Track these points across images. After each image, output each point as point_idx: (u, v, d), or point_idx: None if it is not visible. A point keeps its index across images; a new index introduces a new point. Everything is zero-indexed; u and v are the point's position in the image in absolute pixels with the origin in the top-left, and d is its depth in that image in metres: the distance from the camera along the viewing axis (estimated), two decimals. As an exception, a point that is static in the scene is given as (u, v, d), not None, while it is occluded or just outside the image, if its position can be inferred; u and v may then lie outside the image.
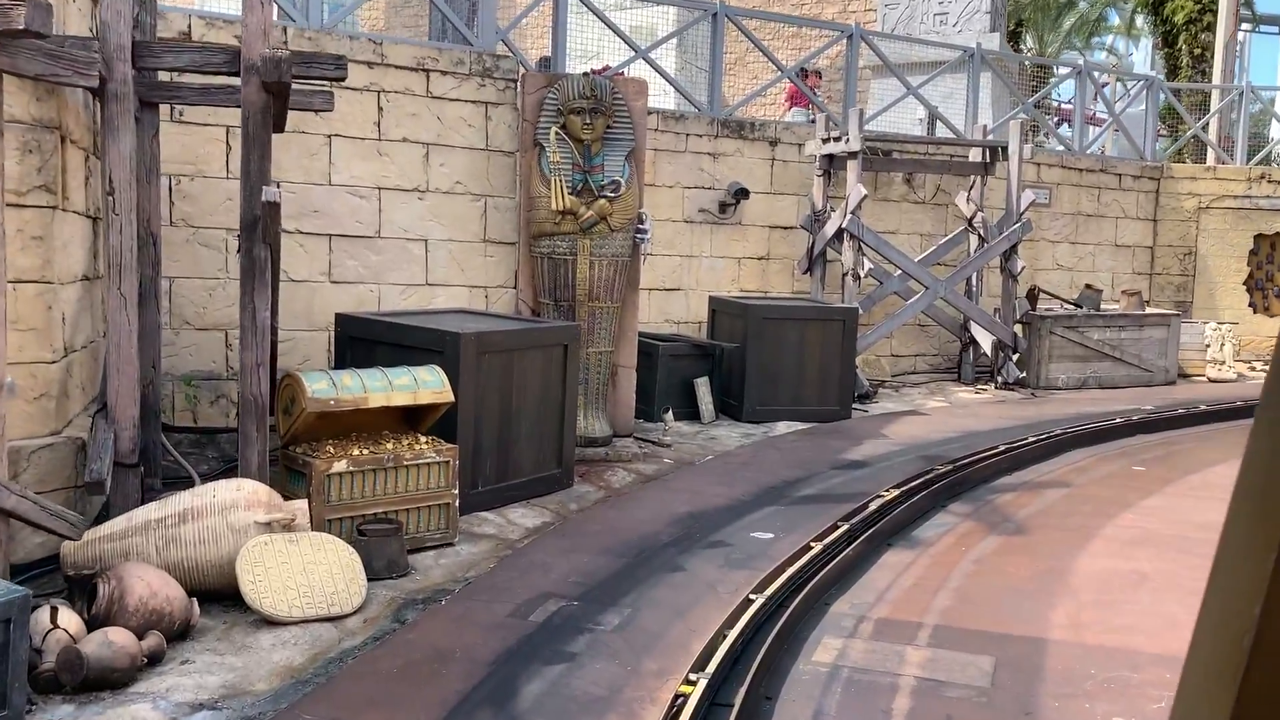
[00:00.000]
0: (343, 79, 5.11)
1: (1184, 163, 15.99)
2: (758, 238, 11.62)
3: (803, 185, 11.80)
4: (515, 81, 8.48)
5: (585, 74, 7.92)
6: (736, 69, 19.47)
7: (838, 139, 11.05)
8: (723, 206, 11.34)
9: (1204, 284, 14.48)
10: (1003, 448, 7.95)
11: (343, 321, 6.63)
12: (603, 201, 7.83)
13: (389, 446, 5.53)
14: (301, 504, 4.96)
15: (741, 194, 11.19)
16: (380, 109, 8.07)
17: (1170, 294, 14.52)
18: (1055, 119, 20.81)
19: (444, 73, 8.26)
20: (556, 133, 7.78)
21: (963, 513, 6.55)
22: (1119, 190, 14.26)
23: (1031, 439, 8.35)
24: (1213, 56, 23.32)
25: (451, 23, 8.51)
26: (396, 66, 8.08)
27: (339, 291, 8.05)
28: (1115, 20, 33.28)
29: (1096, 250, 14.18)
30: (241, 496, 4.76)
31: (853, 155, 10.90)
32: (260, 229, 4.94)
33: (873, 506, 6.17)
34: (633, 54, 10.94)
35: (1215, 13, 23.01)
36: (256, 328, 5.05)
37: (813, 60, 15.13)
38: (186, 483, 6.49)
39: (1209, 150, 16.16)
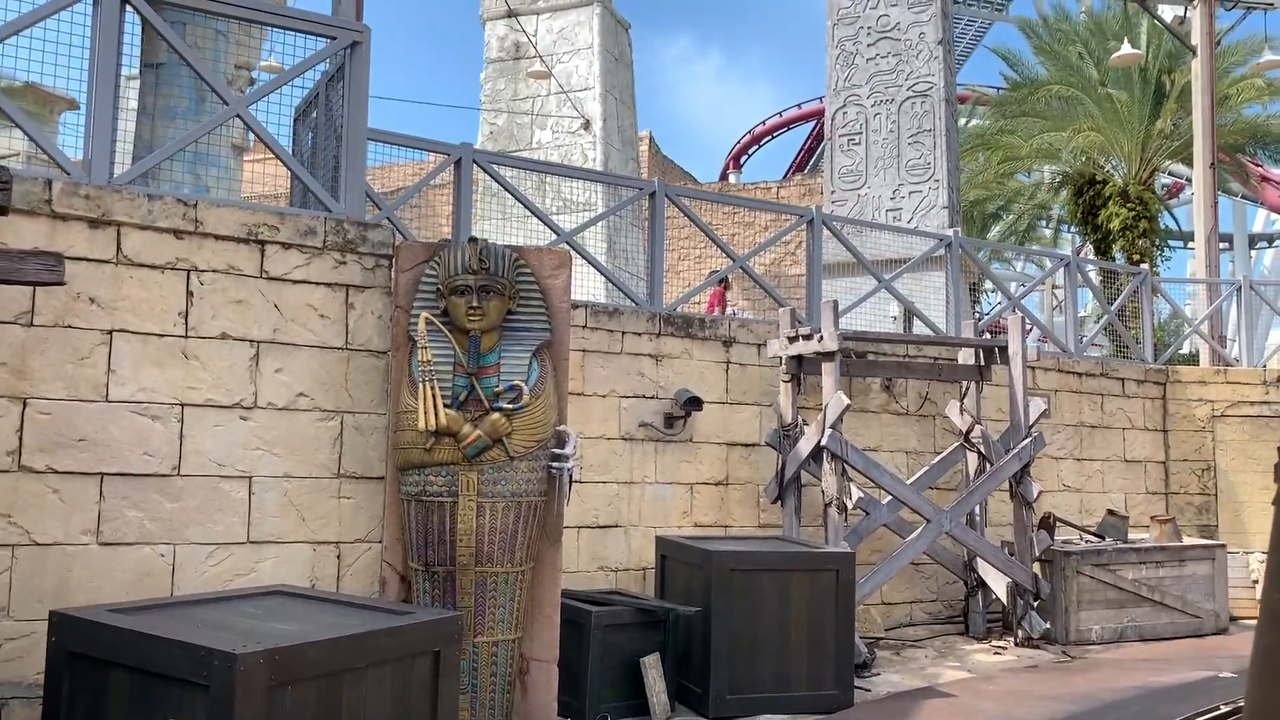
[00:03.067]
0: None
1: (1190, 365, 14.24)
2: (713, 458, 9.29)
3: (765, 393, 9.60)
4: (390, 258, 6.22)
5: (473, 239, 5.69)
6: (669, 277, 17.71)
7: (807, 337, 8.94)
8: (669, 420, 9.05)
9: (1228, 504, 12.39)
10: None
11: (59, 625, 3.99)
12: (497, 416, 5.45)
13: None
14: None
15: (692, 404, 8.92)
16: (190, 294, 5.71)
17: (1191, 516, 12.38)
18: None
19: (286, 245, 5.98)
20: (428, 319, 5.45)
21: None
22: (1123, 397, 12.33)
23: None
24: (1150, 261, 22.43)
25: (298, 177, 6.30)
26: (217, 236, 5.79)
27: (111, 558, 5.42)
28: (1044, 232, 33.02)
29: (1105, 467, 12.08)
30: None
31: (828, 357, 8.76)
32: None
33: None
34: (554, 237, 8.87)
35: (1151, 219, 22.31)
36: None
37: (761, 253, 13.40)
38: None
39: (1202, 352, 14.51)
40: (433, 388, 5.35)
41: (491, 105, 22.84)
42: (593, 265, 8.92)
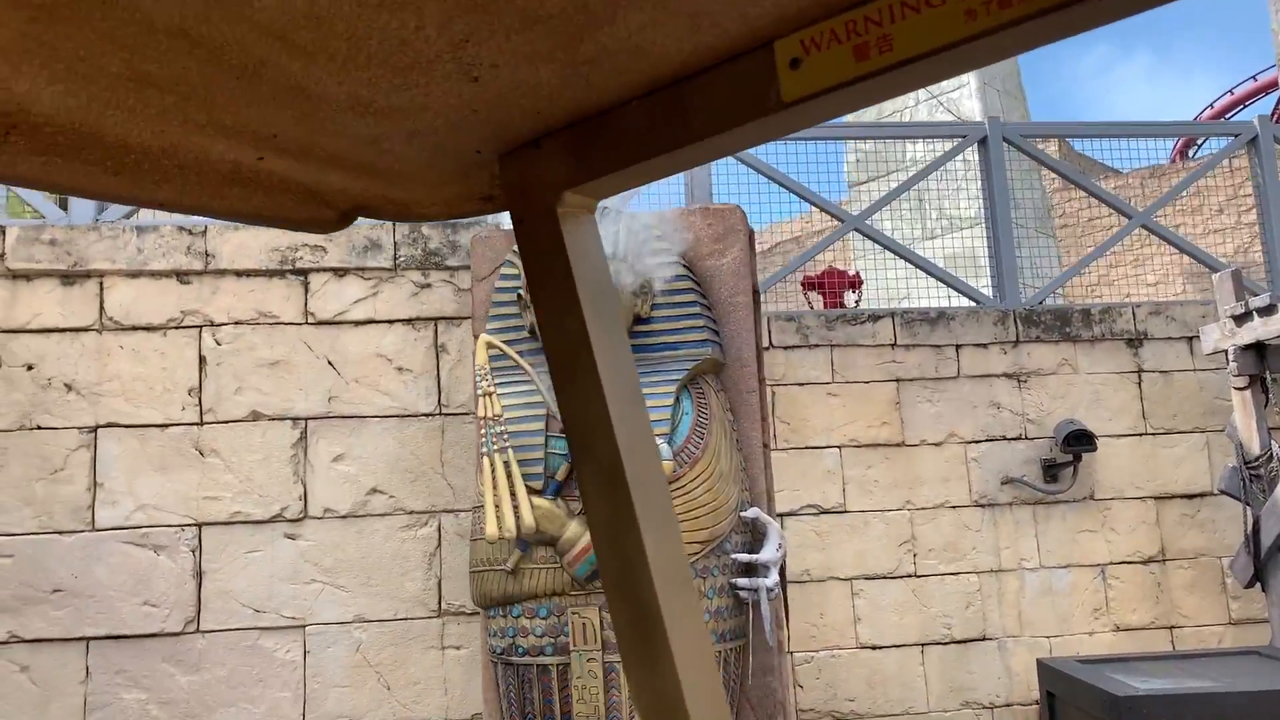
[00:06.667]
0: None
1: None
2: (1134, 521, 5.95)
3: (1210, 411, 6.11)
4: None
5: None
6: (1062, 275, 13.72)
7: (1267, 310, 5.41)
8: (1050, 470, 5.91)
9: None
10: None
11: None
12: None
13: None
14: None
15: (1079, 441, 5.74)
16: (203, 361, 3.89)
17: None
18: None
19: (340, 271, 4.00)
20: (491, 345, 3.13)
21: None
22: None
23: None
24: None
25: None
26: (238, 273, 3.95)
27: (105, 764, 3.62)
28: None
29: None
30: None
31: (1311, 337, 5.20)
32: None
33: None
34: (840, 225, 6.25)
35: None
36: None
37: (1213, 233, 9.85)
38: None
39: None
40: (506, 464, 3.02)
41: (854, 134, 20.45)
42: (887, 247, 6.17)
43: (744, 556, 3.08)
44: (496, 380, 3.19)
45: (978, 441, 5.91)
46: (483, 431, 3.05)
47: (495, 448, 3.04)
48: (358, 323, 3.98)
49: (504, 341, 3.32)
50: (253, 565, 3.77)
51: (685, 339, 3.25)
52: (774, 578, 3.09)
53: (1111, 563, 5.92)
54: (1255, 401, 5.63)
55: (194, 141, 0.81)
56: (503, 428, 3.09)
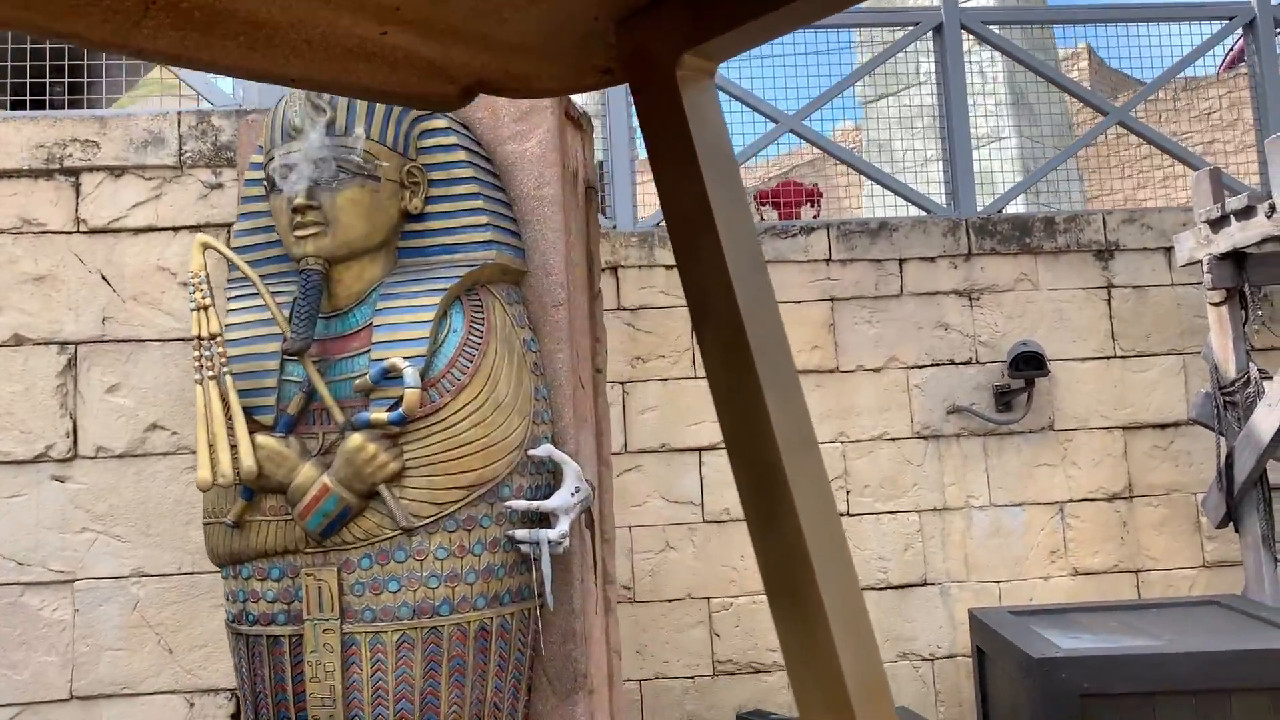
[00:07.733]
0: None
1: None
2: (1098, 453, 5.33)
3: (1188, 331, 5.43)
4: (294, 165, 3.42)
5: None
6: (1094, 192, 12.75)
7: (1244, 213, 4.69)
8: (1003, 397, 5.29)
9: None
10: None
11: None
12: (358, 441, 2.42)
13: None
14: None
15: (1029, 365, 5.11)
16: (-43, 276, 3.36)
17: None
18: None
19: (117, 170, 3.44)
20: (207, 246, 2.56)
21: None
22: None
23: None
24: None
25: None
26: (-1, 173, 3.39)
27: None
28: None
29: None
30: None
31: (1295, 242, 4.49)
32: None
33: None
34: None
35: None
36: None
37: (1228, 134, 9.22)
38: None
39: None
40: (221, 393, 2.48)
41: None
42: (825, 150, 5.51)
43: (521, 504, 2.53)
44: (209, 293, 2.62)
45: (921, 366, 5.30)
46: (196, 354, 2.50)
47: (210, 374, 2.49)
48: (137, 230, 3.42)
49: (256, 243, 2.76)
50: (14, 512, 3.27)
51: (463, 240, 2.65)
52: (562, 527, 2.53)
53: (1071, 500, 5.32)
54: (1233, 318, 4.94)
55: (321, 15, 0.82)
56: (222, 349, 2.53)
